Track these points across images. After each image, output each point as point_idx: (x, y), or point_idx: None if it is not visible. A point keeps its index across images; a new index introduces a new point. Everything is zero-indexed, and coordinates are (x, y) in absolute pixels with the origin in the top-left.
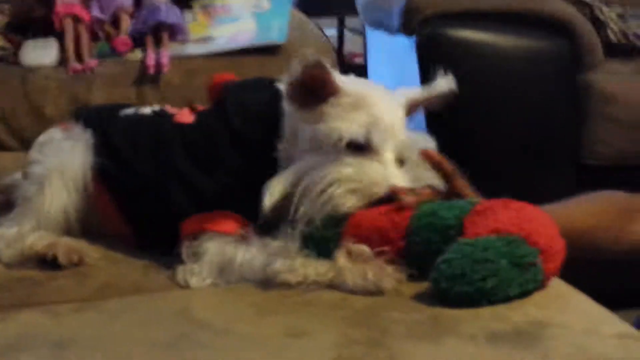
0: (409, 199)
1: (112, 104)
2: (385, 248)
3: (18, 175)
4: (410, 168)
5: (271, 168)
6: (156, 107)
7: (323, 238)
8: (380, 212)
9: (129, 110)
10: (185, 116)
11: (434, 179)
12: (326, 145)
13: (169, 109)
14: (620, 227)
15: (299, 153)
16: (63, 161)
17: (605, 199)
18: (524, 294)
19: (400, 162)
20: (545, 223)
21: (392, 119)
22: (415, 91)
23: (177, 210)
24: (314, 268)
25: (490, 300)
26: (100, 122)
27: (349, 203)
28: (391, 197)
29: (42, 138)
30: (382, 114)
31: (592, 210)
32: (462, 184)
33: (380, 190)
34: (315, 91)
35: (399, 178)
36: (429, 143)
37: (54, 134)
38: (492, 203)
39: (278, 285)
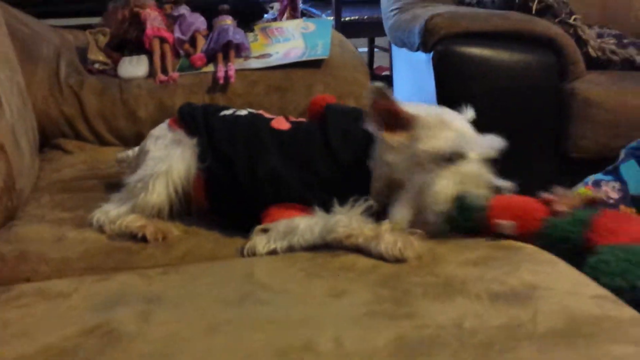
0: (561, 207)
1: (212, 105)
2: (526, 224)
3: (129, 152)
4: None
5: (356, 179)
6: (250, 111)
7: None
8: (522, 199)
9: (228, 112)
10: (282, 123)
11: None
12: (427, 162)
13: (264, 113)
14: None
15: (396, 169)
16: (171, 166)
17: None
18: None
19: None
20: None
21: (470, 130)
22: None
23: (260, 197)
24: (364, 229)
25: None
26: (206, 125)
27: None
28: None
29: (157, 132)
30: (463, 128)
31: None
32: None
33: (488, 188)
34: (393, 119)
35: (494, 178)
36: (499, 143)
37: (164, 130)
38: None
39: (328, 246)
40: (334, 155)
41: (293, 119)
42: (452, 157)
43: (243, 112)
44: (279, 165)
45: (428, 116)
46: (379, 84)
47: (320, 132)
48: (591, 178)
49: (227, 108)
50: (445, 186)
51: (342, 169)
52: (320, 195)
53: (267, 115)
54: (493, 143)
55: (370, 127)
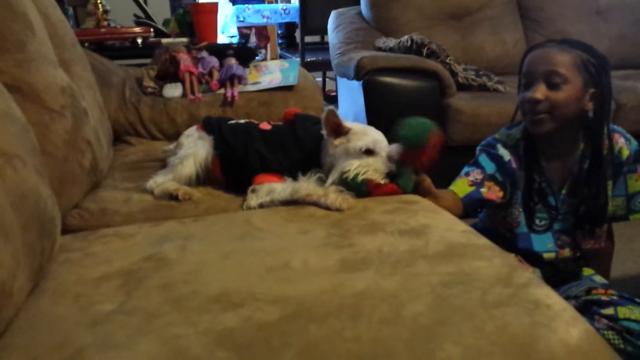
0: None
1: (223, 117)
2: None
3: (170, 146)
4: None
5: (313, 159)
6: (247, 120)
7: (356, 188)
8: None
9: (232, 121)
10: (266, 125)
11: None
12: (352, 153)
13: (254, 121)
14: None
15: (335, 157)
16: (196, 151)
17: (450, 193)
18: None
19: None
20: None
21: (382, 138)
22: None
23: (252, 169)
24: (317, 191)
25: None
26: (219, 128)
27: (373, 176)
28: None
29: (187, 132)
30: (377, 136)
31: (448, 196)
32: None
33: (382, 174)
34: (337, 129)
35: (388, 167)
36: (396, 148)
37: (193, 131)
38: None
39: (297, 202)
40: (300, 144)
41: (273, 123)
42: (367, 152)
43: (242, 121)
44: (262, 148)
45: (357, 128)
46: (330, 107)
47: (291, 130)
48: (463, 170)
49: (232, 119)
50: (354, 165)
51: (304, 153)
52: (289, 169)
53: (257, 121)
54: (392, 148)
55: (324, 132)
